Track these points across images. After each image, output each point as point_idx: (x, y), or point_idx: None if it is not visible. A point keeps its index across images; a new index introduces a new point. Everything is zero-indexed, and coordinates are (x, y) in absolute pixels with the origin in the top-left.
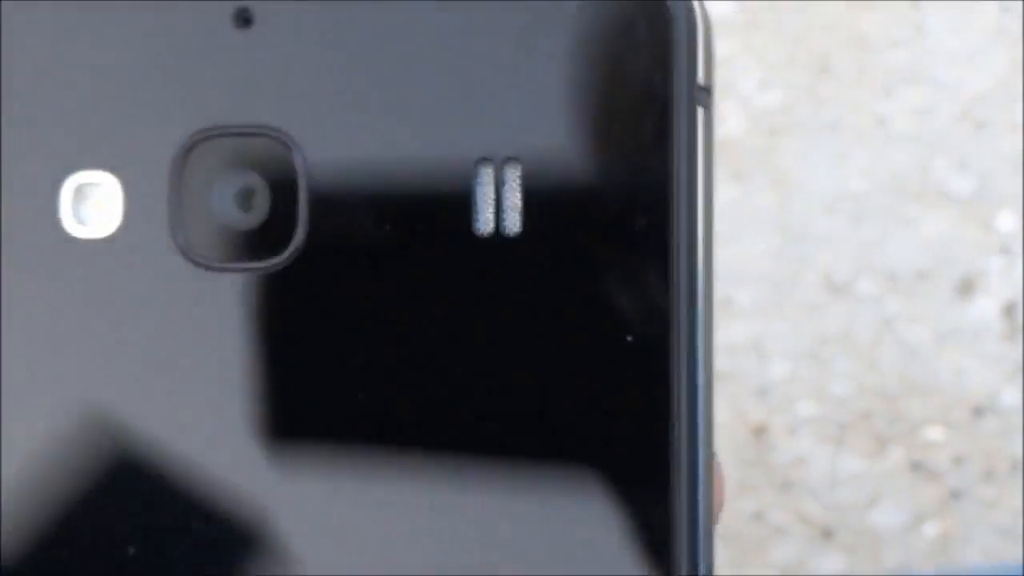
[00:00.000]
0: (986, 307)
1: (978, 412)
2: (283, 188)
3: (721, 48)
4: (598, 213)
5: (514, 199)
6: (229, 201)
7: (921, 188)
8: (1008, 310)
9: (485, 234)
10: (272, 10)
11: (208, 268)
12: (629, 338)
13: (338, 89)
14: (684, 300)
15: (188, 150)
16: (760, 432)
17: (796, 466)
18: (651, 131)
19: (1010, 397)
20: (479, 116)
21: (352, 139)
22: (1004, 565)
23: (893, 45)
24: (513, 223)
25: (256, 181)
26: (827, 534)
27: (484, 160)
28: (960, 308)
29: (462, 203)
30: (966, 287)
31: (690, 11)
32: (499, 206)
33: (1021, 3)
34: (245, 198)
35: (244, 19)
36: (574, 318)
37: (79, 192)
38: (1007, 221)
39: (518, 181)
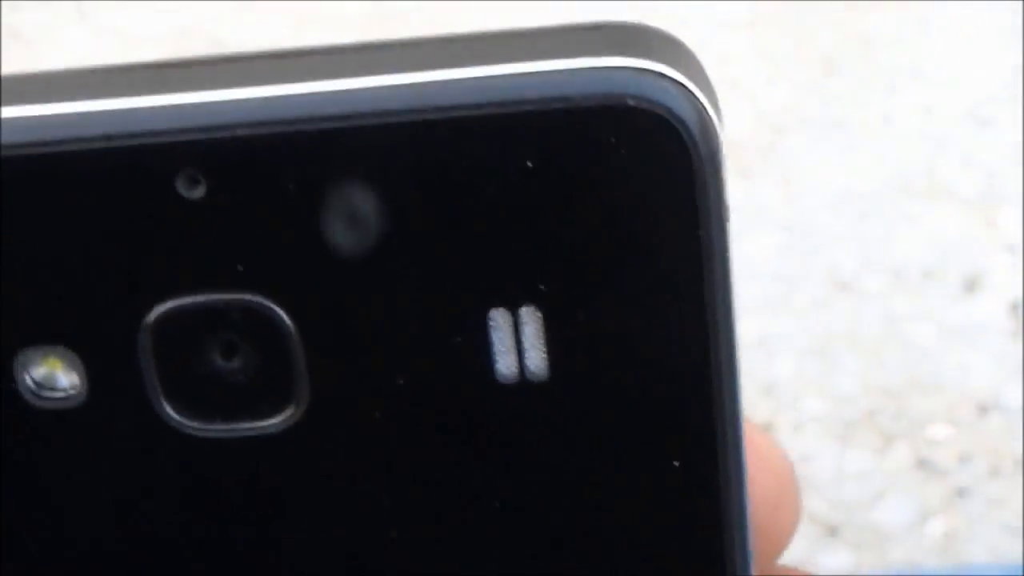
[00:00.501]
0: (992, 304)
1: (983, 410)
2: (271, 350)
3: (729, 46)
4: (631, 351)
5: (536, 341)
6: (211, 365)
7: (927, 186)
8: (1014, 307)
9: (508, 380)
10: (226, 171)
11: (193, 433)
12: (675, 467)
13: (316, 243)
14: (728, 429)
15: (159, 322)
16: (766, 429)
17: (802, 463)
18: (684, 262)
19: (1015, 395)
20: (490, 259)
21: (343, 293)
22: (1004, 565)
23: (899, 43)
24: (537, 366)
25: (239, 344)
26: (833, 531)
27: (501, 304)
28: (966, 305)
29: (480, 349)
30: (972, 285)
31: (712, 137)
32: (520, 349)
33: (1022, 3)
34: (228, 361)
35: (194, 183)
36: (612, 459)
37: (36, 364)
38: (1012, 219)
39: (540, 323)
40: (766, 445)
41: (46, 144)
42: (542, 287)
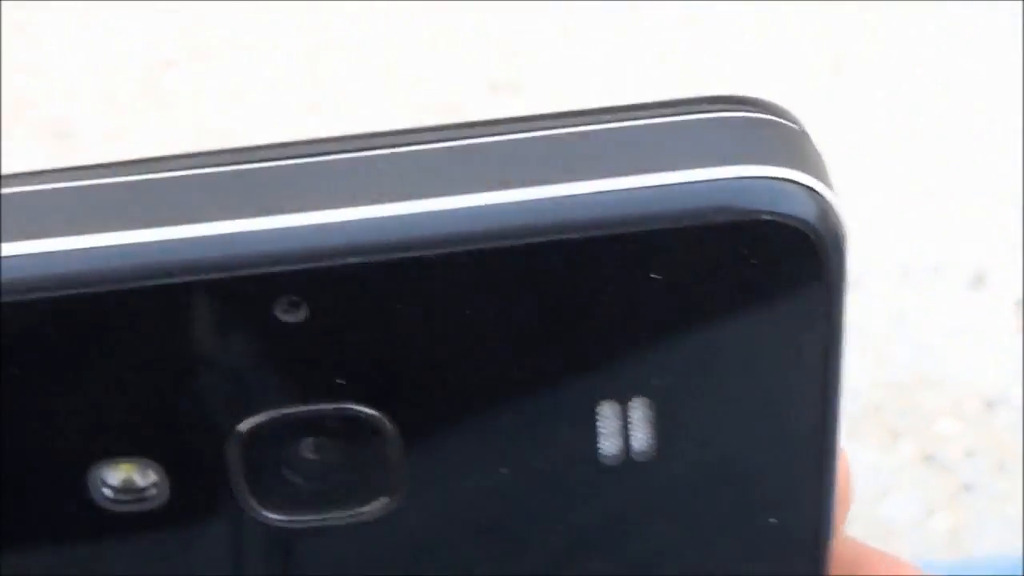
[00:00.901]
0: (998, 301)
1: (990, 405)
2: (368, 448)
3: (736, 44)
4: (743, 445)
5: (643, 431)
6: (302, 465)
7: (935, 183)
8: (1020, 304)
9: (612, 462)
10: (328, 296)
11: (281, 525)
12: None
13: (414, 355)
14: (828, 509)
15: (251, 432)
16: None
17: None
18: (806, 367)
19: (1021, 390)
20: (607, 358)
21: (446, 396)
22: (1009, 559)
23: (905, 42)
24: (642, 449)
25: (334, 444)
26: None
27: (612, 397)
28: (973, 302)
29: (586, 435)
30: (979, 281)
31: (843, 248)
32: (627, 437)
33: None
34: (320, 459)
35: (294, 308)
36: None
37: (116, 474)
38: (1019, 216)
39: (648, 415)
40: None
41: (144, 273)
42: (655, 382)
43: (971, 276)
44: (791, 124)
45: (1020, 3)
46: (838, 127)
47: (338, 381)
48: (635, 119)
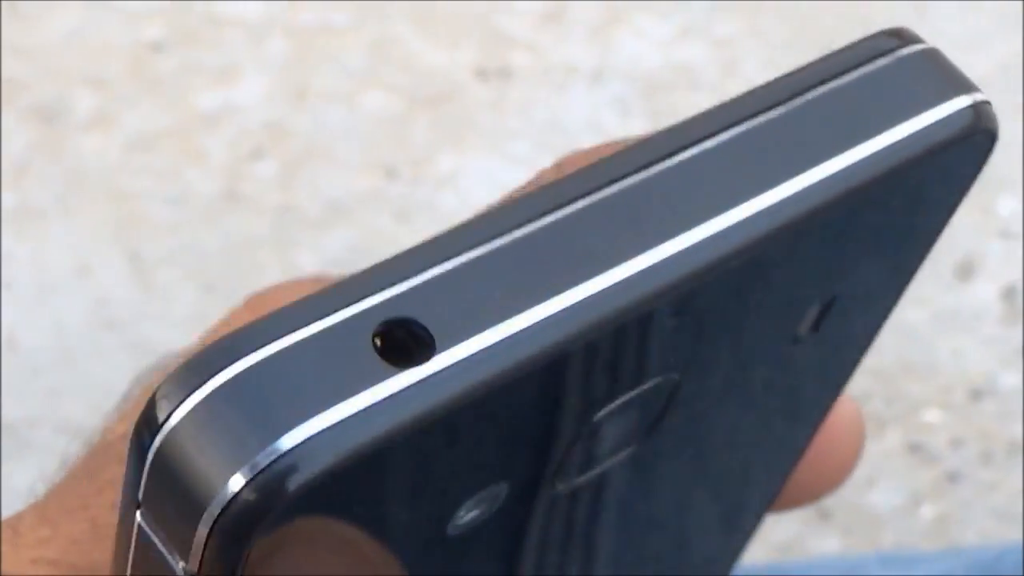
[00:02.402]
0: (985, 290)
1: (976, 395)
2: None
3: (725, 28)
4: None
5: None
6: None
7: None
8: (1007, 293)
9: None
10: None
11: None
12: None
13: (713, 326)
14: None
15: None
16: None
17: None
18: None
19: (1008, 380)
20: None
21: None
22: (997, 546)
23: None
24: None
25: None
26: (825, 515)
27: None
28: (960, 291)
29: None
30: (966, 270)
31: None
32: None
33: None
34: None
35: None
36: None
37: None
38: (1007, 205)
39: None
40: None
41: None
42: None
43: (958, 266)
44: (928, 45)
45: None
46: None
47: (662, 362)
48: (815, 88)
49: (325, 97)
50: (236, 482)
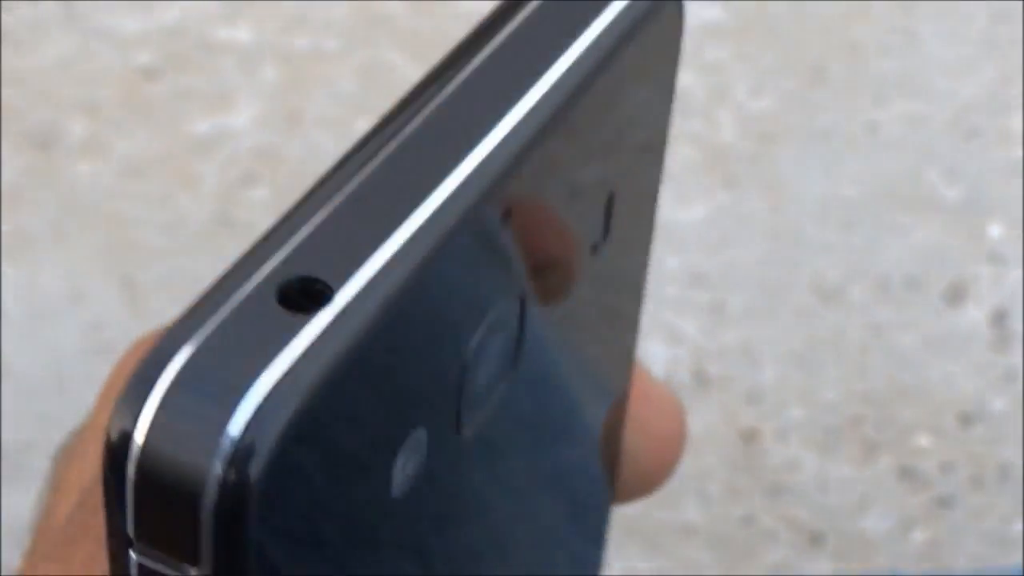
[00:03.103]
0: (975, 315)
1: (966, 419)
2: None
3: (713, 54)
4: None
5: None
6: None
7: (912, 196)
8: (997, 318)
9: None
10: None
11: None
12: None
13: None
14: None
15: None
16: (751, 437)
17: (786, 471)
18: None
19: (998, 404)
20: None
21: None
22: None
23: (885, 53)
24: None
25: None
26: (816, 539)
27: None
28: (949, 315)
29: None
30: (955, 295)
31: None
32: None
33: (1022, 7)
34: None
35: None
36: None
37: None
38: (997, 229)
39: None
40: (658, 388)
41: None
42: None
43: (948, 291)
44: None
45: (1006, 15)
46: (819, 136)
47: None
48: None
49: (317, 123)
50: (216, 468)
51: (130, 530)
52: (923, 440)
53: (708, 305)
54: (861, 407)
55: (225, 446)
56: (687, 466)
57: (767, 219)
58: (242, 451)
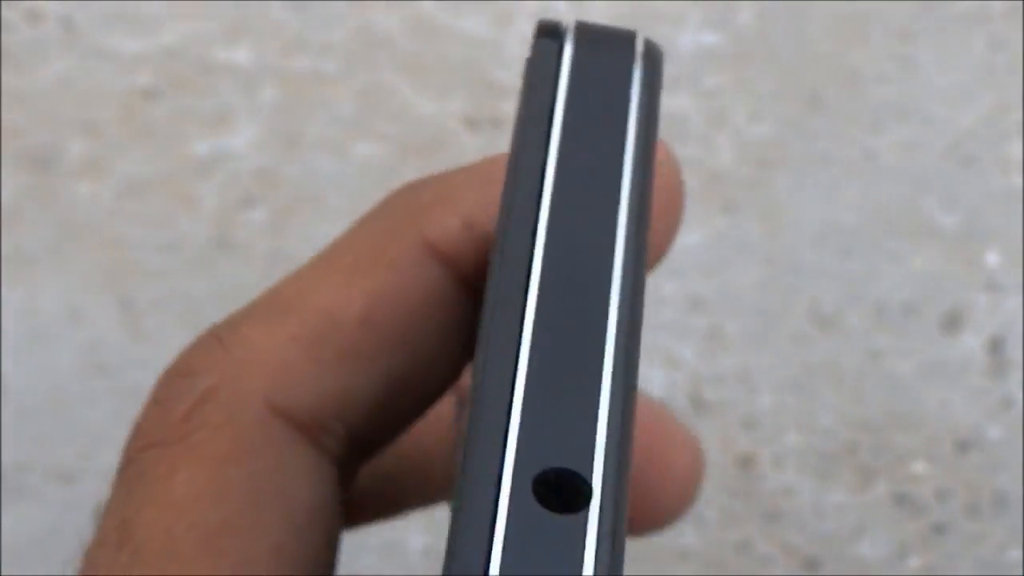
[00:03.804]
0: (972, 342)
1: (963, 446)
2: None
3: (712, 80)
4: None
5: None
6: None
7: (909, 223)
8: (993, 345)
9: None
10: None
11: None
12: None
13: None
14: None
15: None
16: (747, 462)
17: (782, 497)
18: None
19: (995, 432)
20: None
21: None
22: None
23: (882, 80)
24: None
25: None
26: (812, 564)
27: None
28: (946, 343)
29: None
30: (952, 322)
31: None
32: None
33: (1021, 34)
34: None
35: None
36: None
37: None
38: (993, 257)
39: None
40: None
41: None
42: None
43: (945, 318)
44: (575, 23)
45: (1004, 43)
46: (816, 163)
47: None
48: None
49: (316, 145)
50: None
51: None
52: (919, 467)
53: (706, 330)
54: (858, 433)
55: None
56: None
57: (765, 245)
58: None
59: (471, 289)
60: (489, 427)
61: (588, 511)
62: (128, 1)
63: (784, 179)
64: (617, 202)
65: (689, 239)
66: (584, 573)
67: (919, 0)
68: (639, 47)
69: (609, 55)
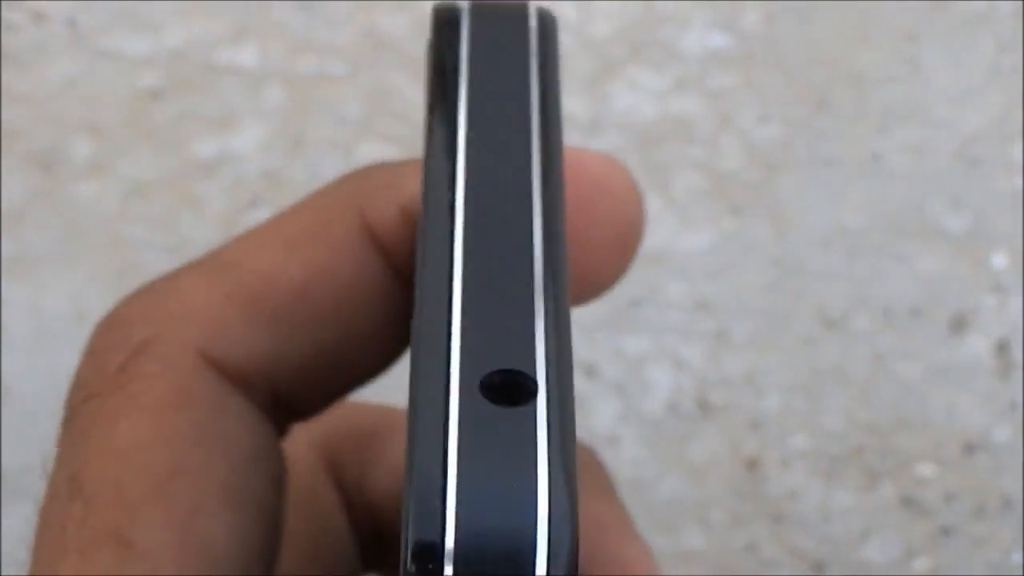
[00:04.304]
0: (979, 344)
1: (970, 449)
2: None
3: (719, 81)
4: None
5: None
6: None
7: (916, 225)
8: (1000, 348)
9: None
10: None
11: None
12: None
13: None
14: None
15: None
16: (753, 465)
17: (789, 499)
18: None
19: (1002, 434)
20: None
21: None
22: None
23: (889, 82)
24: None
25: None
26: (818, 567)
27: None
28: (953, 345)
29: None
30: (959, 324)
31: None
32: None
33: (1022, 38)
34: None
35: None
36: None
37: None
38: (1000, 259)
39: None
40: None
41: None
42: None
43: (952, 320)
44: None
45: (1010, 44)
46: (823, 165)
47: None
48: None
49: (322, 146)
50: (539, 569)
51: None
52: (926, 469)
53: (712, 333)
54: (864, 436)
55: (541, 545)
56: (689, 492)
57: (772, 247)
58: (555, 544)
59: (406, 282)
60: (432, 339)
61: (536, 402)
62: (132, 2)
63: (791, 181)
64: (528, 136)
65: (695, 241)
66: (538, 458)
67: (926, 1)
68: (532, 19)
69: (504, 29)
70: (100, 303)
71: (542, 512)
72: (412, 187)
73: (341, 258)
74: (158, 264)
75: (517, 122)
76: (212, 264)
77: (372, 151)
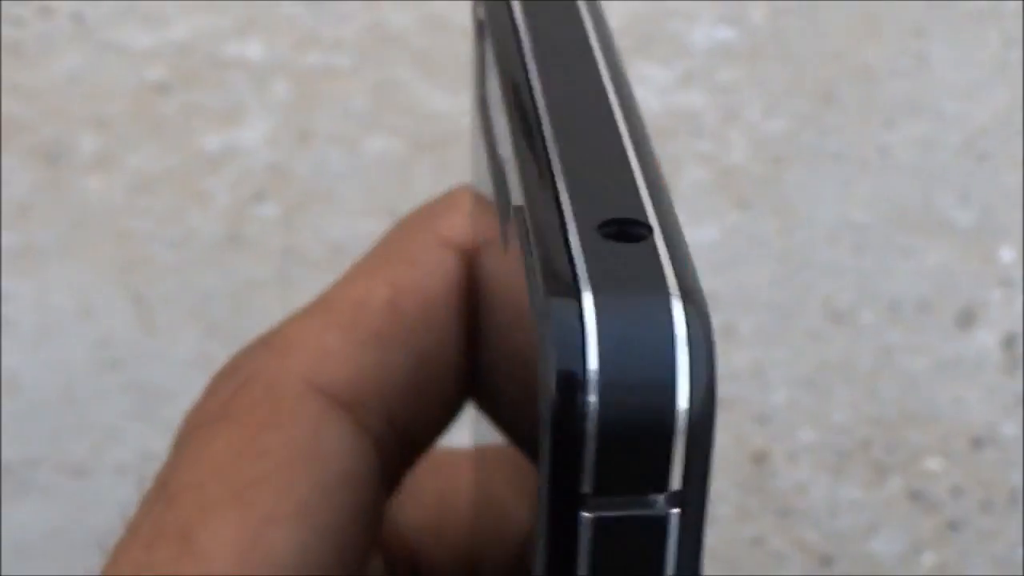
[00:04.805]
0: (986, 338)
1: (977, 443)
2: None
3: (726, 75)
4: None
5: None
6: None
7: (923, 219)
8: (1008, 342)
9: None
10: None
11: None
12: None
13: None
14: None
15: None
16: (760, 459)
17: (796, 493)
18: None
19: (1009, 428)
20: None
21: None
22: None
23: (896, 76)
24: None
25: None
26: (826, 561)
27: None
28: (960, 339)
29: None
30: (967, 318)
31: None
32: None
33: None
34: None
35: None
36: None
37: None
38: (1008, 253)
39: None
40: None
41: None
42: None
43: (959, 314)
44: None
45: (1019, 38)
46: (830, 159)
47: None
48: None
49: (328, 140)
50: (681, 402)
51: (587, 486)
52: (933, 463)
53: (719, 327)
54: (871, 430)
55: (682, 370)
56: None
57: (778, 241)
58: (696, 365)
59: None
60: (544, 198)
61: (654, 238)
62: None
63: (798, 175)
64: (596, 66)
65: (702, 235)
66: (669, 288)
67: None
68: None
69: None
70: (106, 296)
71: (680, 337)
72: (470, 202)
73: (422, 269)
74: (164, 257)
75: (583, 56)
76: (310, 305)
77: (378, 145)
